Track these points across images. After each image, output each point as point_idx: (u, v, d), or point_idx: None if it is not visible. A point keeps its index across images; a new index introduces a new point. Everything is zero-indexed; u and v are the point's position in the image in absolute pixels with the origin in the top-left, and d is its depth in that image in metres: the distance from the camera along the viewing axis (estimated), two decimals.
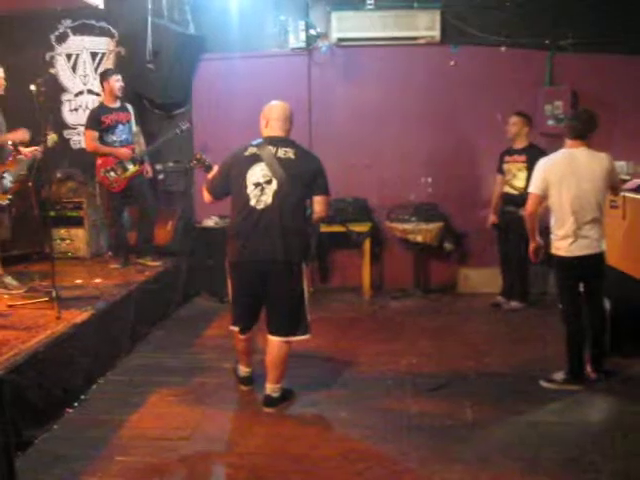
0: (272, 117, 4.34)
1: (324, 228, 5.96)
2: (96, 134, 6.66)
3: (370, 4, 7.26)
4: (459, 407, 4.39)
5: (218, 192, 4.44)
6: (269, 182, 4.17)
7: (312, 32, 7.42)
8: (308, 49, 7.47)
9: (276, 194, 4.17)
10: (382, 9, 7.24)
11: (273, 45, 7.59)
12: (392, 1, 7.25)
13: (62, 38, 7.95)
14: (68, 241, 7.36)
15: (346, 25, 7.29)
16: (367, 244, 7.24)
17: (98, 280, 6.14)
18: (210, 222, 7.27)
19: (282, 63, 7.53)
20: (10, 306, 5.27)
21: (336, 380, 4.92)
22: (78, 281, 6.16)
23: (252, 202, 4.20)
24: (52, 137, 5.68)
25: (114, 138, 6.72)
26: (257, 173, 4.20)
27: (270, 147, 4.23)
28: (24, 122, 5.68)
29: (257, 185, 4.19)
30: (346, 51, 7.46)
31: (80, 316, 4.92)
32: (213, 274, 7.16)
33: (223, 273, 7.06)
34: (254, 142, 4.31)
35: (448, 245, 7.27)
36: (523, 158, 6.49)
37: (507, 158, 6.67)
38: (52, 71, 6.64)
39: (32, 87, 5.19)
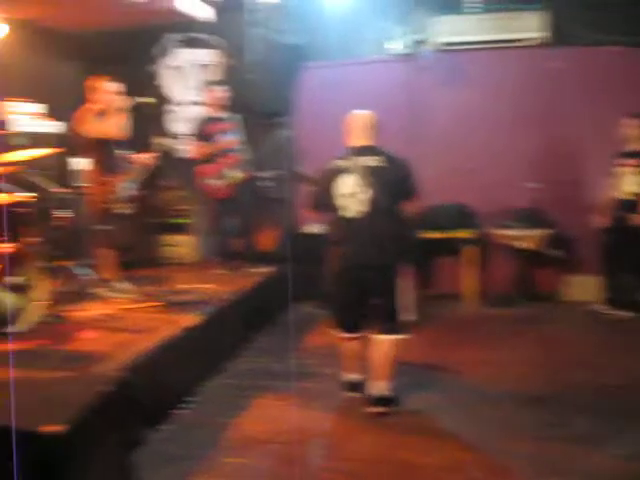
0: (353, 127, 4.47)
1: (424, 234, 5.94)
2: (202, 143, 6.86)
3: (472, 7, 7.17)
4: (571, 419, 4.25)
5: (318, 204, 4.63)
6: (361, 191, 4.28)
7: (414, 37, 7.40)
8: (409, 55, 7.44)
9: (368, 202, 4.29)
10: (486, 12, 7.14)
11: (374, 52, 7.61)
12: (495, 3, 7.12)
13: (171, 51, 8.23)
14: (176, 247, 7.59)
15: (448, 29, 7.24)
16: (469, 250, 7.14)
17: (206, 285, 6.29)
18: (313, 229, 7.33)
19: (382, 69, 7.54)
20: (123, 309, 5.49)
21: (437, 388, 4.87)
22: (186, 286, 6.32)
23: (346, 212, 4.35)
24: (161, 141, 5.88)
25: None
26: (348, 183, 4.32)
27: (358, 157, 4.35)
28: (134, 132, 5.93)
29: (350, 195, 4.32)
30: (447, 56, 7.39)
31: (190, 320, 5.06)
32: (316, 280, 7.21)
33: (325, 279, 7.16)
34: (343, 153, 4.45)
35: (554, 252, 7.08)
36: (637, 162, 6.26)
37: (620, 161, 6.44)
38: (160, 83, 6.86)
39: (144, 100, 5.39)
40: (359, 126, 4.46)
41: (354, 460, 3.83)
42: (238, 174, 6.93)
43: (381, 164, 4.32)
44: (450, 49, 7.34)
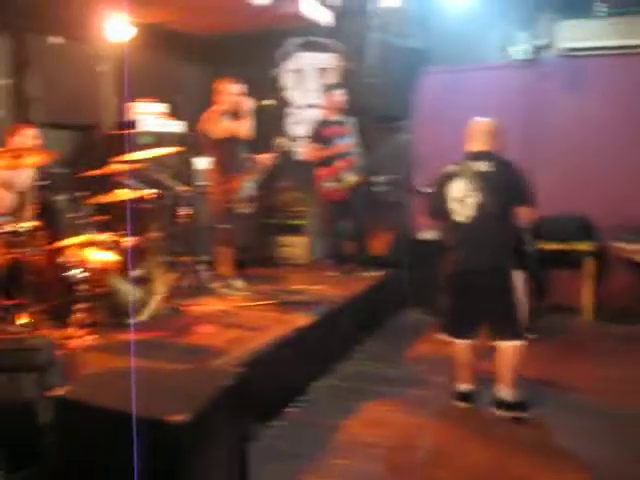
0: (473, 133, 4.52)
1: (541, 245, 5.79)
2: (318, 146, 6.95)
3: (600, 11, 6.92)
4: None
5: (433, 211, 4.70)
6: (469, 196, 4.34)
7: (537, 43, 7.22)
8: (532, 60, 7.26)
9: (478, 207, 4.32)
10: (613, 16, 6.86)
11: (496, 57, 7.47)
12: (623, 7, 6.85)
13: (290, 55, 8.37)
14: (289, 248, 7.70)
15: (573, 34, 7.00)
16: (589, 263, 6.89)
17: (318, 287, 6.36)
18: (427, 235, 7.26)
19: (504, 75, 7.37)
20: (238, 306, 5.63)
21: (552, 402, 4.69)
22: (299, 286, 6.41)
23: (457, 217, 4.42)
24: (281, 142, 6.00)
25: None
26: (457, 188, 4.39)
27: (470, 162, 4.41)
28: (254, 133, 6.07)
29: (460, 200, 4.39)
30: (572, 61, 7.14)
31: (303, 320, 5.13)
32: (428, 286, 7.15)
33: (438, 285, 7.09)
34: (459, 158, 4.51)
35: None
36: None
37: None
38: (281, 86, 7.00)
39: (265, 102, 5.51)
40: (477, 132, 4.51)
41: (462, 471, 3.77)
42: (353, 177, 6.96)
43: (491, 169, 4.34)
44: (573, 54, 7.10)
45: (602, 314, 6.97)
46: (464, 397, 4.65)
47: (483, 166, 4.36)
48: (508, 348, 4.40)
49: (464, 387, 4.65)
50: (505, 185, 4.34)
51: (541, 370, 5.28)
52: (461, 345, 4.60)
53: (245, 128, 5.99)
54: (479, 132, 4.50)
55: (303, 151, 7.85)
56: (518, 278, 4.40)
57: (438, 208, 4.56)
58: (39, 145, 5.05)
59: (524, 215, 4.43)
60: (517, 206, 4.39)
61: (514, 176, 4.39)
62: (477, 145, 4.48)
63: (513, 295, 4.37)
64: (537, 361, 5.26)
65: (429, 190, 4.86)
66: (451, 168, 4.48)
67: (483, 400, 4.62)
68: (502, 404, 4.43)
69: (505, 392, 4.43)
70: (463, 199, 4.36)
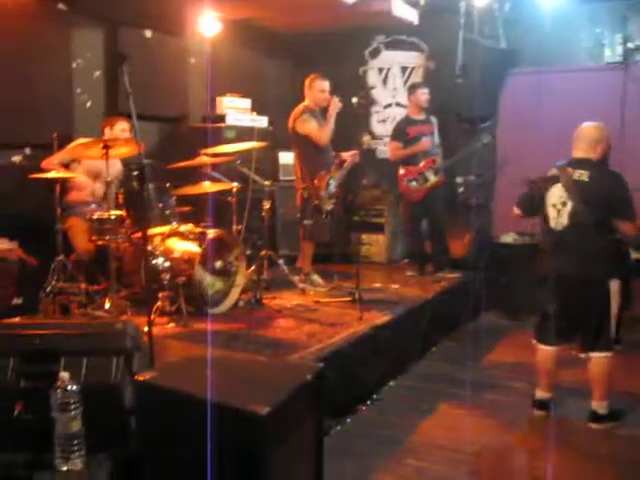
0: (576, 138, 4.39)
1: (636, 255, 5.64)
2: (400, 145, 6.92)
3: None
4: None
5: (526, 208, 4.63)
6: (564, 204, 4.25)
7: (629, 45, 7.00)
8: (625, 63, 7.04)
9: (571, 216, 4.22)
10: None
11: (586, 59, 7.28)
12: None
13: (375, 53, 8.38)
14: (368, 246, 7.70)
15: None
16: None
17: (396, 286, 6.34)
18: (508, 238, 7.15)
19: (595, 78, 7.17)
20: (316, 302, 5.67)
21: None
22: (377, 285, 6.42)
23: (551, 223, 4.33)
24: (367, 138, 6.00)
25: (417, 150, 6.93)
26: (555, 194, 4.29)
27: (569, 169, 4.27)
28: (339, 131, 6.09)
29: (554, 206, 4.30)
30: None
31: (380, 318, 5.14)
32: (506, 291, 7.06)
33: (517, 290, 6.97)
34: (558, 163, 4.37)
35: None
36: None
37: None
38: (369, 84, 7.01)
39: (354, 100, 5.53)
40: (582, 137, 4.37)
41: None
42: (434, 177, 6.91)
43: (591, 179, 4.19)
44: None
45: None
46: (541, 405, 4.52)
47: (583, 175, 4.21)
48: (600, 359, 4.29)
49: (541, 394, 4.53)
50: (604, 197, 4.17)
51: (625, 383, 5.10)
52: (546, 351, 4.48)
53: (326, 136, 6.04)
54: (584, 138, 4.35)
55: (386, 149, 7.84)
56: (614, 289, 4.28)
57: (532, 206, 4.52)
58: (129, 137, 5.21)
59: (624, 229, 4.27)
60: (616, 219, 4.23)
61: (615, 189, 4.21)
62: (580, 151, 4.34)
63: (608, 306, 4.26)
64: (622, 373, 5.08)
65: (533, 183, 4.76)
66: (553, 172, 4.36)
67: (563, 409, 4.51)
68: (595, 417, 4.31)
69: (597, 404, 4.31)
70: (559, 207, 4.27)
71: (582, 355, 4.40)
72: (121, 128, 5.36)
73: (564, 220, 4.25)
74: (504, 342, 6.28)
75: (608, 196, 4.17)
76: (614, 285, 4.28)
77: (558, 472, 3.77)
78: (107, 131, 5.37)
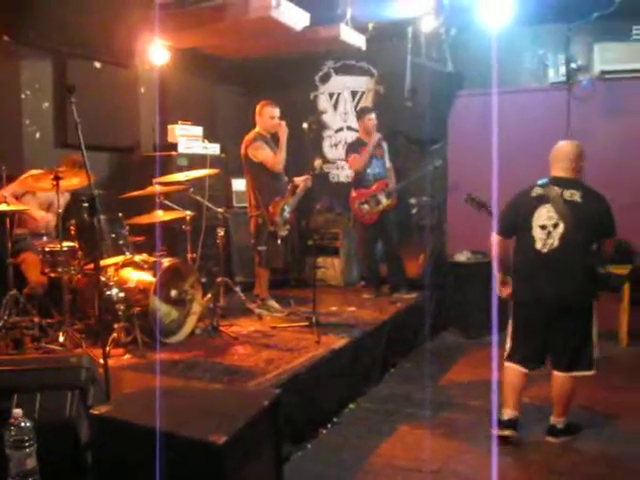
0: (556, 158, 4.31)
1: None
2: (357, 155, 6.98)
3: (637, 34, 6.87)
4: None
5: (508, 232, 4.39)
6: (555, 225, 4.13)
7: (572, 65, 7.19)
8: (568, 83, 7.23)
9: (562, 237, 4.11)
10: None
11: (531, 80, 7.46)
12: None
13: (325, 78, 8.48)
14: (323, 269, 7.73)
15: (610, 57, 6.95)
16: (626, 288, 6.79)
17: (352, 308, 6.37)
18: (462, 257, 7.25)
19: (540, 98, 7.34)
20: (273, 327, 5.67)
21: (598, 434, 4.51)
22: (333, 308, 6.44)
23: (537, 245, 4.18)
24: (319, 162, 6.05)
25: (368, 171, 7.01)
26: (543, 215, 4.17)
27: (556, 188, 4.17)
28: (291, 156, 6.14)
29: (543, 228, 4.17)
30: (610, 84, 7.09)
31: (338, 342, 5.15)
32: (462, 309, 7.16)
33: (473, 308, 7.04)
34: (540, 182, 4.28)
35: None
36: None
37: None
38: (320, 109, 7.08)
39: (304, 125, 5.59)
40: (559, 156, 4.30)
41: None
42: (387, 200, 6.98)
43: (578, 199, 4.13)
44: (612, 77, 7.06)
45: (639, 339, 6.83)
46: (509, 424, 4.36)
47: (575, 195, 4.13)
48: (569, 378, 4.27)
49: (510, 413, 4.38)
50: (596, 218, 4.14)
51: (582, 398, 5.15)
52: (517, 371, 4.38)
53: (280, 163, 6.08)
54: (564, 156, 4.28)
55: (339, 173, 7.92)
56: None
57: (512, 227, 4.34)
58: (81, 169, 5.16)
59: (607, 248, 4.27)
60: (603, 238, 4.24)
61: (606, 210, 4.19)
62: (562, 170, 4.25)
63: (591, 326, 4.23)
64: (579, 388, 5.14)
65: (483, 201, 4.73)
66: (538, 191, 4.22)
67: (526, 428, 4.53)
68: (554, 431, 4.35)
69: (557, 420, 4.34)
70: (550, 228, 4.14)
71: (555, 373, 4.33)
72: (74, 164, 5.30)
73: (554, 242, 4.13)
74: (461, 360, 6.34)
75: (599, 217, 4.16)
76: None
77: None
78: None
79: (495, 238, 4.41)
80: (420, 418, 4.86)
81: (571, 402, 4.35)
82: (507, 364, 4.43)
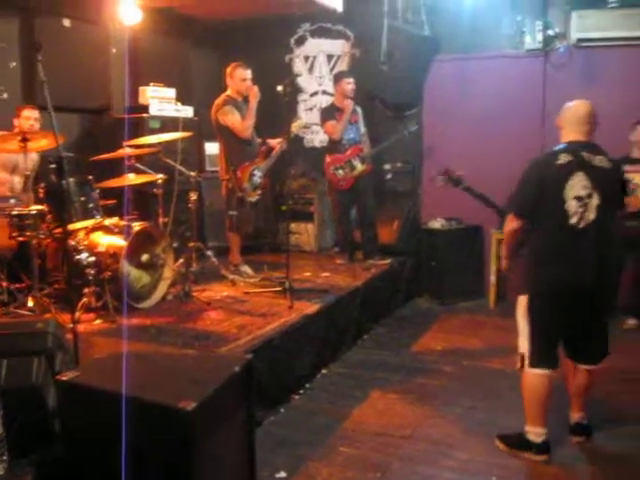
0: (576, 120, 3.76)
1: None
2: (333, 121, 6.90)
3: (613, 1, 6.81)
4: None
5: (529, 211, 3.72)
6: (590, 196, 3.58)
7: (549, 32, 7.14)
8: (545, 50, 7.17)
9: (599, 209, 3.59)
10: (626, 7, 6.75)
11: (508, 46, 7.38)
12: None
13: (301, 41, 8.34)
14: (297, 235, 7.69)
15: (587, 24, 6.90)
16: None
17: (326, 274, 6.34)
18: (436, 224, 7.24)
19: (516, 65, 7.29)
20: (246, 293, 5.63)
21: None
22: (307, 274, 6.42)
23: (573, 220, 3.59)
24: (299, 122, 5.96)
25: (343, 136, 6.92)
26: (577, 184, 3.59)
27: (585, 153, 3.64)
28: (266, 119, 6.05)
29: (579, 199, 3.58)
30: (586, 52, 7.05)
31: (310, 308, 5.13)
32: (436, 275, 7.18)
33: (446, 274, 7.06)
34: (560, 147, 3.74)
35: None
36: None
37: (628, 168, 5.97)
38: (294, 72, 6.96)
39: (279, 88, 5.49)
40: (580, 118, 3.74)
41: (468, 462, 3.75)
42: (362, 165, 6.93)
43: (607, 165, 3.67)
44: (588, 45, 7.02)
45: None
46: (544, 448, 3.76)
47: (603, 161, 3.66)
48: (590, 370, 3.87)
49: (543, 433, 3.77)
50: (617, 184, 3.76)
51: None
52: (545, 377, 3.74)
53: (249, 129, 6.00)
54: (584, 118, 3.74)
55: (314, 138, 7.83)
56: None
57: (535, 206, 3.68)
58: (40, 126, 5.06)
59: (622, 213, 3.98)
60: (619, 209, 3.87)
61: (621, 175, 3.85)
62: (583, 134, 3.74)
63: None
64: None
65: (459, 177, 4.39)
66: (566, 157, 3.63)
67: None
68: (584, 429, 4.00)
69: (582, 416, 4.00)
70: (586, 199, 3.58)
71: (584, 367, 3.88)
72: (26, 116, 5.21)
73: (591, 215, 3.58)
74: (434, 327, 6.37)
75: (621, 185, 3.81)
76: None
77: (484, 449, 3.84)
78: (15, 121, 5.21)
79: (513, 222, 3.78)
80: (392, 383, 4.89)
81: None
82: (531, 371, 3.76)
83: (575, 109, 3.79)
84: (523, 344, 3.79)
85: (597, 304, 3.74)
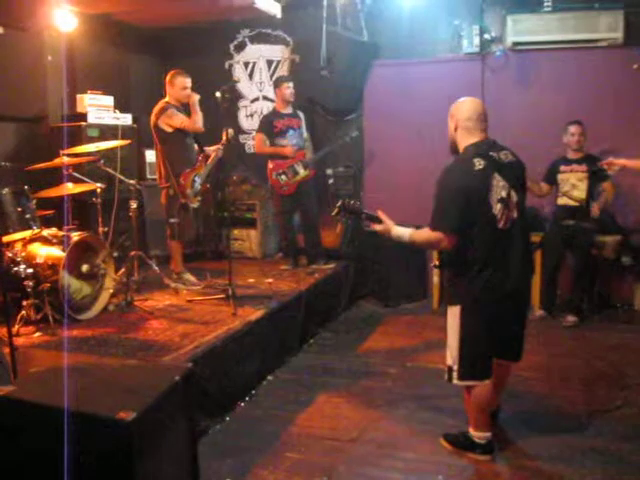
0: (476, 118, 3.62)
1: None
2: (265, 138, 6.91)
3: (548, 6, 6.99)
4: None
5: (464, 225, 3.51)
6: (509, 195, 3.52)
7: (486, 36, 7.28)
8: (482, 54, 7.31)
9: (518, 206, 3.56)
10: (560, 11, 6.94)
11: (446, 50, 7.50)
12: (571, 2, 6.93)
13: (240, 47, 8.33)
14: (240, 241, 7.67)
15: (522, 28, 7.05)
16: (537, 255, 6.96)
17: (270, 280, 6.33)
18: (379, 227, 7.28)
19: (455, 68, 7.41)
20: (189, 301, 5.59)
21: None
22: (251, 280, 6.40)
23: (500, 223, 3.51)
24: (230, 132, 5.96)
25: (285, 142, 6.93)
26: (497, 187, 3.50)
27: (492, 154, 3.55)
28: (205, 126, 6.02)
29: (502, 201, 3.50)
30: (522, 55, 7.20)
31: (254, 314, 5.11)
32: (379, 278, 7.24)
33: (389, 278, 7.12)
34: (470, 152, 3.59)
35: (626, 259, 6.84)
36: (583, 168, 6.41)
37: (563, 168, 6.51)
38: (234, 79, 6.94)
39: (217, 94, 5.47)
40: (479, 116, 3.62)
41: (415, 462, 3.79)
42: (303, 171, 6.95)
43: (513, 159, 3.63)
44: (524, 49, 7.17)
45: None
46: (490, 448, 3.78)
47: (509, 156, 3.62)
48: (511, 367, 3.98)
49: (489, 437, 3.79)
50: (523, 177, 3.72)
51: None
52: (486, 386, 3.69)
53: (199, 122, 5.95)
54: (484, 115, 3.64)
55: (253, 143, 7.82)
56: None
57: (468, 219, 3.50)
58: None
59: None
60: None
61: (524, 165, 3.76)
62: (484, 132, 3.64)
63: None
64: None
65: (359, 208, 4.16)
66: (481, 162, 3.49)
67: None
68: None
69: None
70: (507, 199, 3.51)
71: (507, 363, 3.92)
72: None
73: (514, 213, 3.54)
74: (379, 329, 6.42)
75: (525, 175, 3.76)
76: None
77: (429, 450, 3.89)
78: None
79: (444, 241, 3.54)
80: (338, 387, 4.90)
81: None
82: (468, 383, 3.71)
83: (473, 107, 3.65)
84: (452, 355, 3.70)
85: (525, 303, 3.90)
